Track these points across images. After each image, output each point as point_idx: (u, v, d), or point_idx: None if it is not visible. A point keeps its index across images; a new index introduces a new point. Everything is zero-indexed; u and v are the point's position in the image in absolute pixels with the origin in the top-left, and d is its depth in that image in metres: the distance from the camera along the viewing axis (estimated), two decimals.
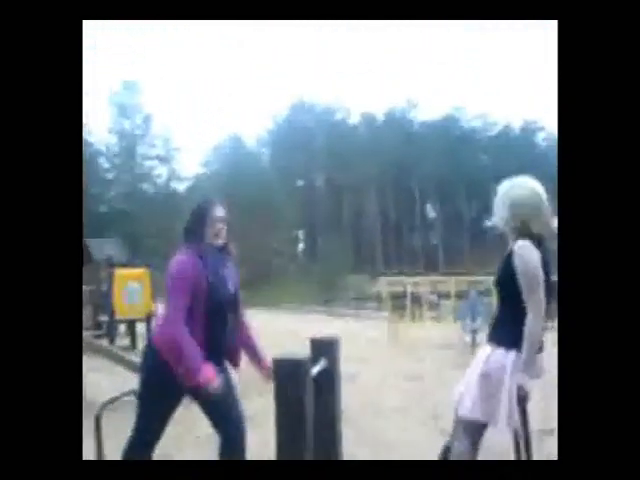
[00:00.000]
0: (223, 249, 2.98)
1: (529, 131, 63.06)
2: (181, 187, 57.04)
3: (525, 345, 2.60)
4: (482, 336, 13.45)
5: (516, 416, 2.61)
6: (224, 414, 2.95)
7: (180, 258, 2.86)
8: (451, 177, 52.60)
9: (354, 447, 4.55)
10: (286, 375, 2.53)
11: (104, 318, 12.63)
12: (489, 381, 2.66)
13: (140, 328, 12.74)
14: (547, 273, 2.69)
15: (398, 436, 5.86)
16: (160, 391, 2.85)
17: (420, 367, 10.26)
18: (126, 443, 2.91)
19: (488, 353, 2.74)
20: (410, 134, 59.11)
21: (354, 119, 63.51)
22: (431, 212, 61.71)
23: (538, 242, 2.71)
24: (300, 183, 60.71)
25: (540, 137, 65.02)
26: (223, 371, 2.98)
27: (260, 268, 42.88)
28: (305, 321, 18.51)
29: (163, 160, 54.56)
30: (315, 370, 2.80)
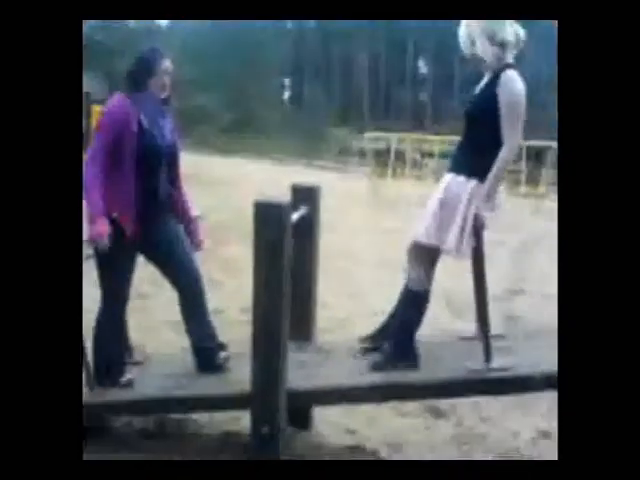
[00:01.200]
0: (165, 101, 2.96)
1: None
2: (164, 22, 53.92)
3: (492, 175, 2.60)
4: None
5: (466, 245, 2.63)
6: (175, 266, 2.98)
7: (113, 101, 2.85)
8: (448, 31, 50.31)
9: (329, 294, 4.74)
10: (265, 218, 2.53)
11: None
12: (446, 207, 2.68)
13: None
14: None
15: (371, 282, 6.12)
16: (113, 250, 2.77)
17: (399, 221, 10.46)
18: (97, 313, 2.93)
19: (448, 181, 2.72)
20: None
21: None
22: (423, 68, 59.68)
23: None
24: (289, 26, 57.63)
25: None
26: (163, 222, 2.96)
27: (243, 115, 41.85)
28: (287, 172, 18.47)
29: None
30: (295, 216, 2.79)
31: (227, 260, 6.29)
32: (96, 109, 12.15)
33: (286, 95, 56.77)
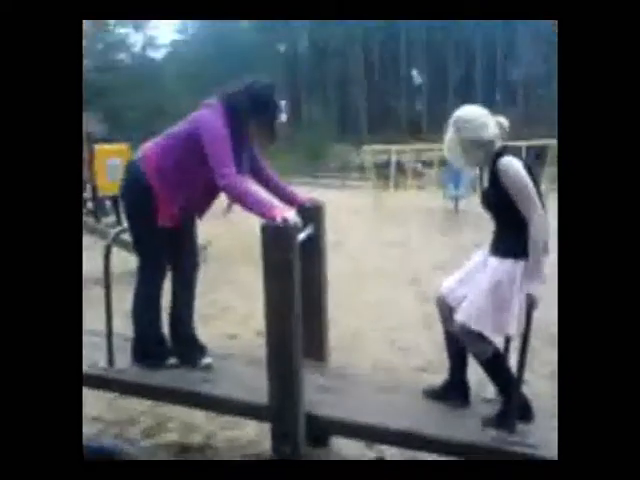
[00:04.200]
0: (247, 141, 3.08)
1: None
2: (158, 55, 54.52)
3: (531, 255, 2.62)
4: (464, 202, 13.68)
5: (523, 324, 2.65)
6: (181, 247, 3.23)
7: (217, 120, 2.87)
8: (439, 40, 50.59)
9: (339, 312, 4.77)
10: (273, 240, 2.59)
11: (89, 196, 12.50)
12: (499, 292, 2.68)
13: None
14: (532, 178, 2.68)
15: (379, 298, 6.14)
16: (154, 225, 3.00)
17: (404, 233, 10.50)
18: (137, 283, 3.11)
19: (495, 265, 2.73)
20: None
21: None
22: (417, 77, 59.97)
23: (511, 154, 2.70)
24: (282, 48, 58.14)
25: None
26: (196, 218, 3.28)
27: None
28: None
29: (137, 27, 51.59)
30: (302, 236, 2.84)
31: (240, 284, 6.35)
32: (98, 149, 12.22)
33: (283, 116, 56.93)
